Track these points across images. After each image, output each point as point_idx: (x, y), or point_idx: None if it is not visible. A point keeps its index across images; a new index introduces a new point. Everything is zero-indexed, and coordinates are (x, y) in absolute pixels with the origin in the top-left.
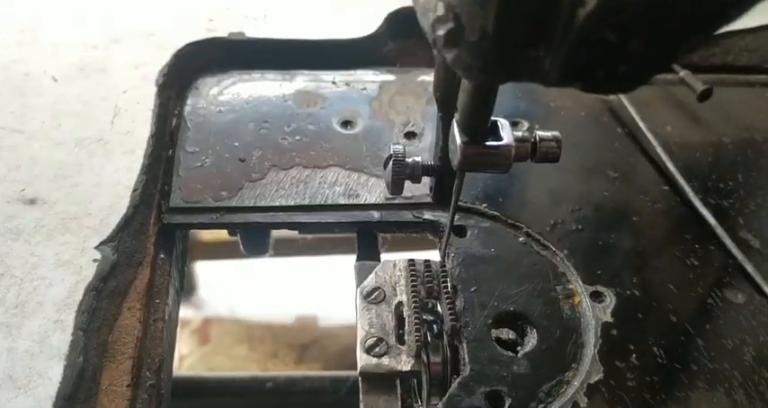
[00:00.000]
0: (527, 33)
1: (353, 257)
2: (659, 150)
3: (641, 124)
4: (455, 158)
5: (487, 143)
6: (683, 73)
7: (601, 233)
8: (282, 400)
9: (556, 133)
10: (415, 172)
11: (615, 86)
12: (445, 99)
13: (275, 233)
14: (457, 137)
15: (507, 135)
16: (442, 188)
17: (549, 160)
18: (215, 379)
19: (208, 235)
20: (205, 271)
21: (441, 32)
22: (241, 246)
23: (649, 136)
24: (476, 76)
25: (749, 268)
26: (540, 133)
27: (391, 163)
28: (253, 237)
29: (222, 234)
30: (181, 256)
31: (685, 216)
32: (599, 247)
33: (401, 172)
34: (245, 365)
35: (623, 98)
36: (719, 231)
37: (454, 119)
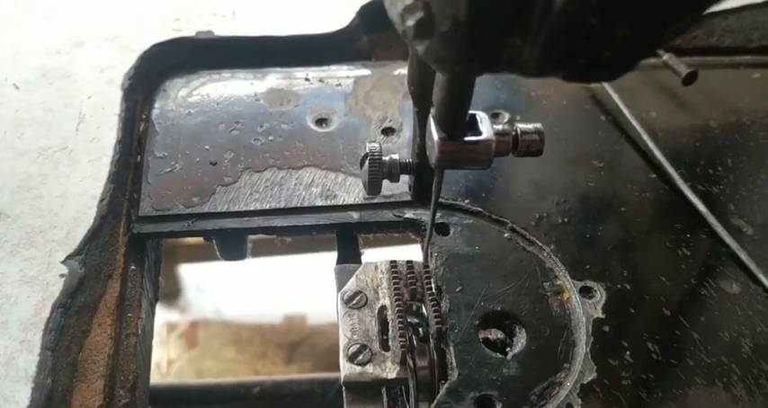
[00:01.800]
0: (502, 20)
1: (334, 254)
2: (645, 137)
3: (625, 111)
4: (433, 155)
5: (466, 138)
6: (666, 56)
7: (588, 225)
8: (271, 405)
9: (537, 125)
10: (393, 171)
11: (598, 74)
12: (420, 93)
13: (255, 234)
14: (434, 132)
15: (486, 129)
16: (421, 185)
17: (532, 153)
18: (198, 387)
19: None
20: (190, 274)
21: (410, 23)
22: (217, 252)
23: (634, 122)
24: (449, 68)
25: (743, 256)
26: (520, 126)
27: (367, 162)
28: (229, 243)
29: None
30: (154, 266)
31: (674, 204)
32: (586, 240)
33: (378, 171)
34: (234, 367)
35: (606, 85)
36: (710, 219)
37: (431, 115)
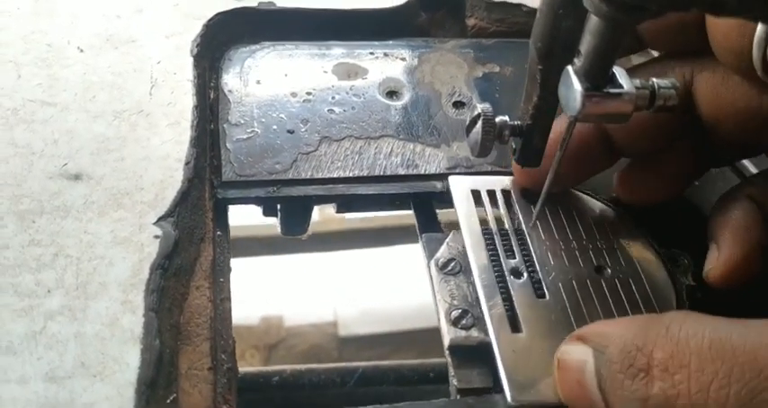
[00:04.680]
0: None
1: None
2: None
3: None
4: (573, 107)
5: (609, 90)
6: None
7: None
8: (288, 394)
9: (673, 80)
10: (504, 132)
11: None
12: (548, 49)
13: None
14: (576, 84)
15: (626, 82)
16: (530, 149)
17: (668, 109)
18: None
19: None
20: None
21: None
22: (279, 226)
23: None
24: (642, 3)
25: None
26: (657, 80)
27: (480, 122)
28: (295, 214)
29: None
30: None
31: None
32: (667, 210)
33: (491, 131)
34: None
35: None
36: None
37: (569, 68)
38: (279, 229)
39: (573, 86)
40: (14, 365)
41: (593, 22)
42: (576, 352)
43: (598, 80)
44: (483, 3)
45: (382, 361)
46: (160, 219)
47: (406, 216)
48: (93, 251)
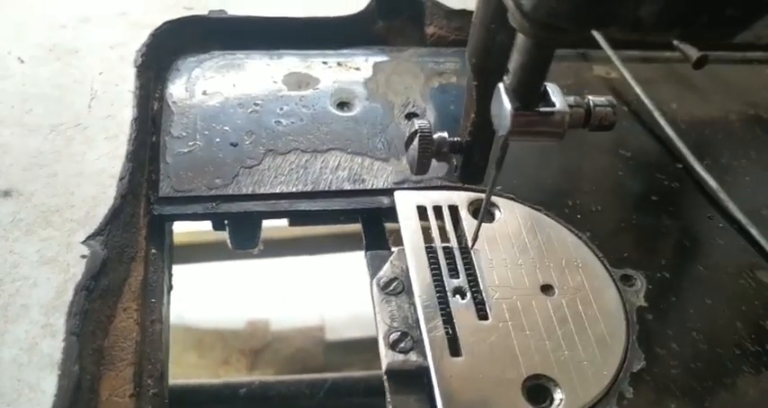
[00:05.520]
0: None
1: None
2: (667, 129)
3: (647, 102)
4: (504, 126)
5: (540, 109)
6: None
7: (621, 213)
8: (258, 405)
9: (610, 98)
10: (442, 149)
11: (716, 32)
12: (483, 65)
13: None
14: (506, 102)
15: (559, 100)
16: (470, 166)
17: (604, 127)
18: (181, 387)
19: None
20: None
21: None
22: (228, 240)
23: (656, 114)
24: (558, 24)
25: None
26: (593, 98)
27: (417, 139)
28: (243, 229)
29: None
30: (169, 251)
31: (704, 195)
32: (621, 228)
33: (428, 148)
34: (196, 373)
35: (627, 75)
36: (739, 215)
37: (500, 85)
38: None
39: (503, 105)
40: None
41: (519, 39)
42: None
43: (529, 98)
44: (442, 11)
45: (352, 372)
46: (89, 238)
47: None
48: (17, 271)
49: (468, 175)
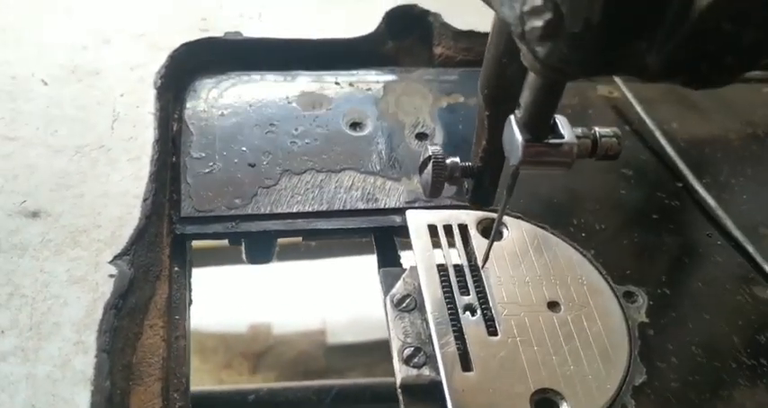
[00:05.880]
0: (634, 24)
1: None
2: (668, 148)
3: (648, 121)
4: (515, 156)
5: (549, 141)
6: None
7: (624, 231)
8: None
9: (615, 129)
10: (455, 174)
11: (717, 79)
12: (495, 96)
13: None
14: (517, 134)
15: (568, 132)
16: (481, 189)
17: (610, 157)
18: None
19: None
20: None
21: (537, 24)
22: (244, 255)
23: (657, 133)
24: (570, 71)
25: None
26: (599, 130)
27: (431, 164)
28: (259, 245)
29: None
30: (188, 268)
31: (703, 213)
32: (624, 246)
33: (441, 173)
34: (198, 377)
35: (629, 94)
36: (737, 233)
37: (511, 117)
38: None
39: (515, 136)
40: None
41: (531, 77)
42: None
43: (539, 130)
44: (450, 31)
45: (358, 379)
46: (116, 258)
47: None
48: (48, 290)
49: (478, 197)
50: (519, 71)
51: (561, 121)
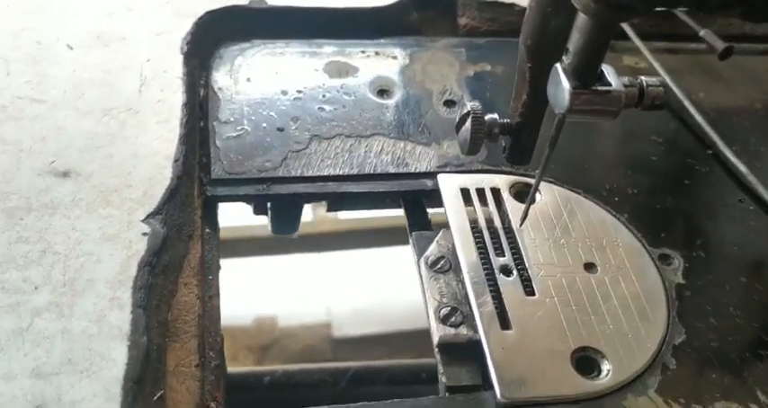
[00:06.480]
0: None
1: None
2: (697, 116)
3: (675, 90)
4: (562, 104)
5: (597, 88)
6: (702, 32)
7: (656, 196)
8: (282, 394)
9: (661, 78)
10: (494, 130)
11: None
12: (537, 47)
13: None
14: (564, 82)
15: (615, 80)
16: (519, 147)
17: (656, 107)
18: None
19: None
20: None
21: None
22: (269, 224)
23: (685, 101)
24: (630, 1)
25: None
26: (645, 78)
27: (470, 120)
28: (285, 213)
29: None
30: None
31: (733, 179)
32: (657, 210)
33: (480, 129)
34: None
35: (656, 64)
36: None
37: (557, 65)
38: (269, 228)
39: (561, 84)
40: (1, 361)
41: (581, 20)
42: None
43: (586, 78)
44: (475, 2)
45: (374, 361)
46: (149, 216)
47: (400, 217)
48: (80, 248)
49: (515, 156)
50: (563, 21)
51: (608, 70)
